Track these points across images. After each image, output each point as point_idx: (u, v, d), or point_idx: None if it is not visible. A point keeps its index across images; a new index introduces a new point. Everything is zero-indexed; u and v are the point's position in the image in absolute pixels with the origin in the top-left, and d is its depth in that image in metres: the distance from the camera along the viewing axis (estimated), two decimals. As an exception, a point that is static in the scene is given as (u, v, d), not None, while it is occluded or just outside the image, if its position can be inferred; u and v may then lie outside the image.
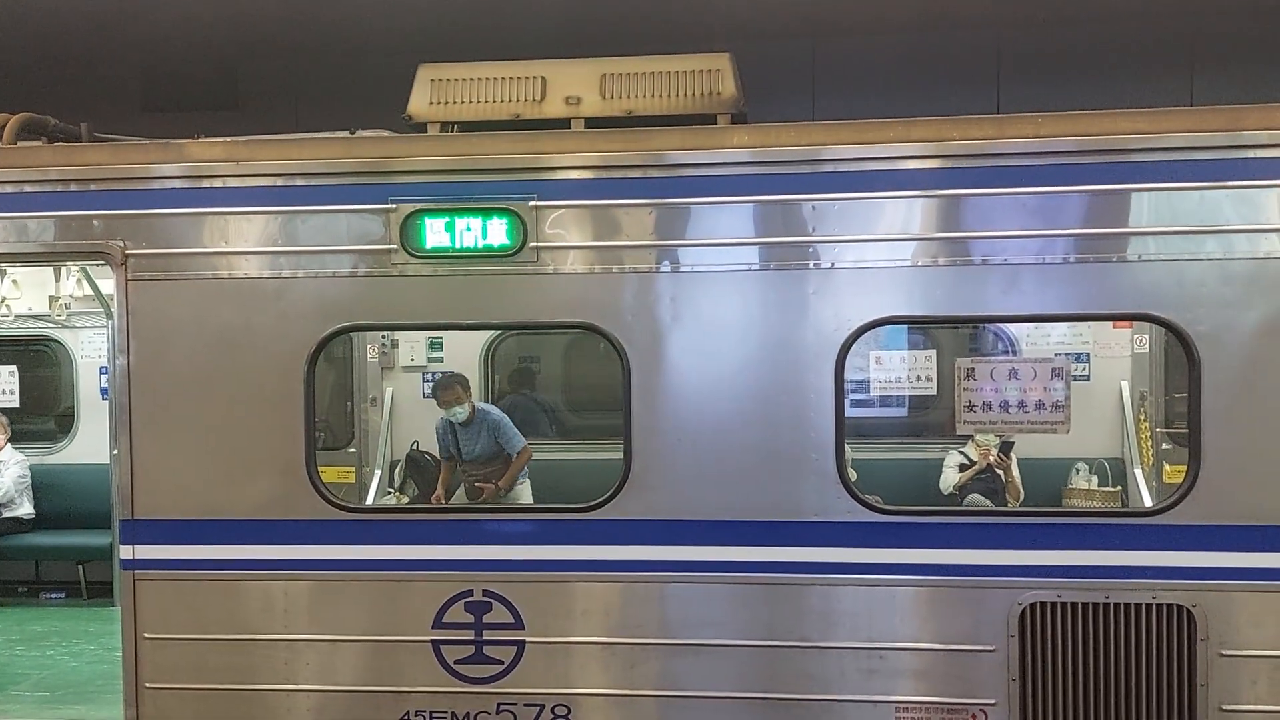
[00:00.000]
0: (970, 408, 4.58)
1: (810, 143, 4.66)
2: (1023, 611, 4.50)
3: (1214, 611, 4.42)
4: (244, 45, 9.24)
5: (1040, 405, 4.57)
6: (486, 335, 8.08)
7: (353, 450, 7.82)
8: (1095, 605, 4.47)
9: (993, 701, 4.54)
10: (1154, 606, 4.44)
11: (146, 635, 4.89)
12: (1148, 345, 7.43)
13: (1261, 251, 4.39)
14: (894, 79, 8.93)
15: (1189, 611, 4.42)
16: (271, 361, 4.85)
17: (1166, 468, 7.19)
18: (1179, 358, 7.26)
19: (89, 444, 8.55)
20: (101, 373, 8.52)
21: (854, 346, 4.59)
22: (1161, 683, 4.45)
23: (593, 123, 5.06)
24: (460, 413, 7.08)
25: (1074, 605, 4.48)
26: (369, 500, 7.74)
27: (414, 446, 7.97)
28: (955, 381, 4.59)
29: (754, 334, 4.66)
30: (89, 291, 7.75)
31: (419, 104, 5.16)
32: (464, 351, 8.17)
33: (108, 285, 7.62)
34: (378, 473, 7.85)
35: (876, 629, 4.58)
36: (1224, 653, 4.42)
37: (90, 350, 8.63)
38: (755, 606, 4.64)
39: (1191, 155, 4.41)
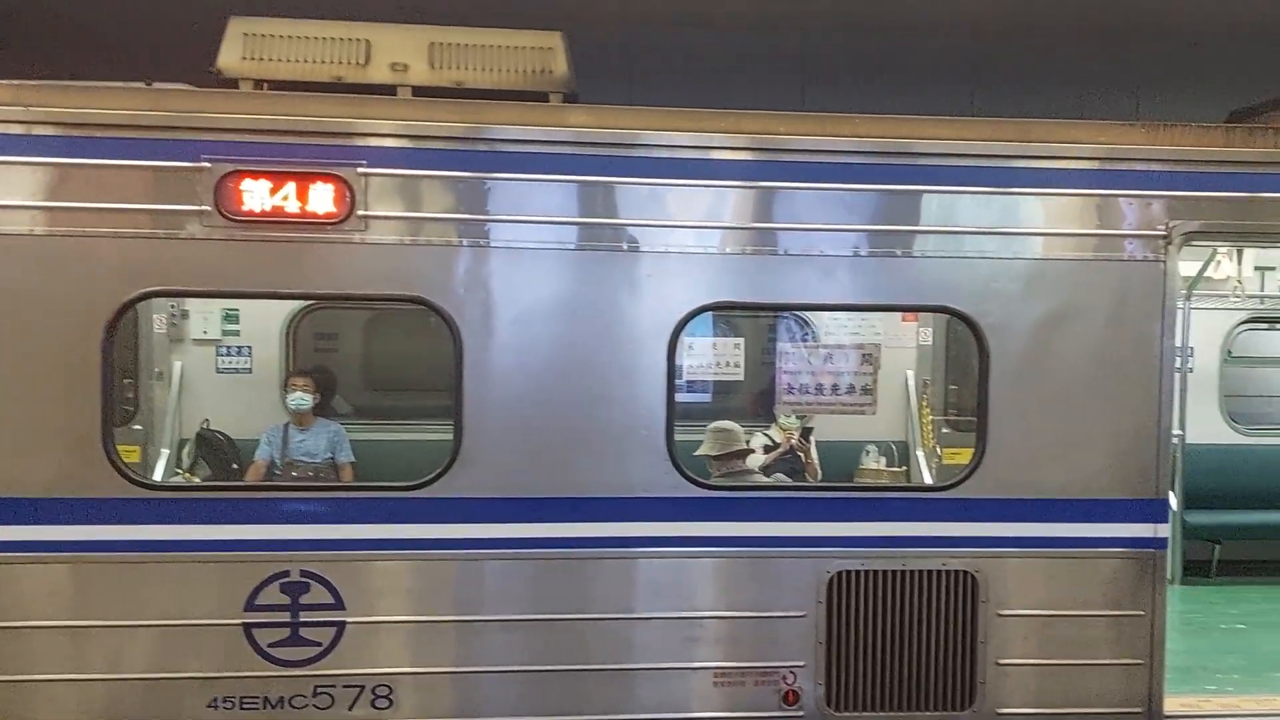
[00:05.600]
0: (789, 390, 4.84)
1: (657, 127, 4.74)
2: (830, 579, 4.82)
3: (993, 577, 4.88)
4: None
5: (851, 388, 4.90)
6: (290, 309, 7.69)
7: (137, 427, 7.26)
8: (894, 573, 4.84)
9: (802, 663, 4.83)
10: (943, 573, 4.86)
11: None
12: (931, 338, 8.05)
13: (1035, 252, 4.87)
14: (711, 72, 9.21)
15: (973, 577, 4.87)
16: (64, 327, 4.45)
17: (941, 450, 7.84)
18: (958, 353, 7.98)
19: None
20: None
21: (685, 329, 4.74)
22: (948, 641, 4.87)
23: (420, 91, 4.95)
24: (304, 401, 7.07)
25: (876, 573, 4.84)
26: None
27: (204, 425, 7.51)
28: (776, 365, 4.82)
29: (588, 313, 4.71)
30: None
31: (230, 58, 4.87)
32: (264, 326, 7.74)
33: None
34: (164, 451, 7.33)
35: (698, 599, 4.76)
36: (1000, 613, 4.90)
37: None
38: (583, 581, 4.71)
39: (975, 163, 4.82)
